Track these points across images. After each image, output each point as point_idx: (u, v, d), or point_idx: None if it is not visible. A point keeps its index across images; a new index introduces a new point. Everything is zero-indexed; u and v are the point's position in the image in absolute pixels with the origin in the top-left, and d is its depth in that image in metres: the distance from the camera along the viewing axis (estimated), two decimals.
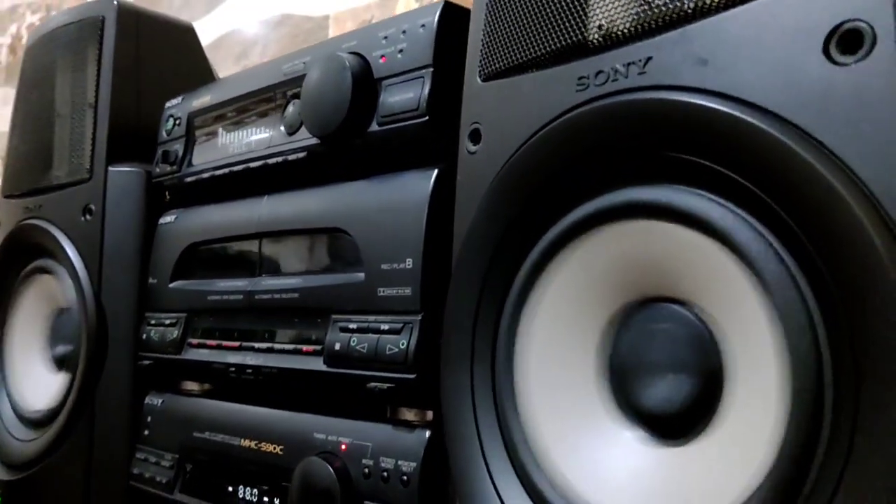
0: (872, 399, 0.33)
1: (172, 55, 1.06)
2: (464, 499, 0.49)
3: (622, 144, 0.44)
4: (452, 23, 0.62)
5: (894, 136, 0.34)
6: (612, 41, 0.46)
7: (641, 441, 0.45)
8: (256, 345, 0.74)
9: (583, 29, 0.47)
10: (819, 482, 0.35)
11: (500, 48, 0.52)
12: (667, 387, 0.44)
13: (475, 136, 0.54)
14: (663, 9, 0.43)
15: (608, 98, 0.44)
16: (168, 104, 0.94)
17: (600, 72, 0.45)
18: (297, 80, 0.73)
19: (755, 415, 0.39)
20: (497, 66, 0.53)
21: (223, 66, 1.70)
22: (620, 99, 0.43)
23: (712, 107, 0.39)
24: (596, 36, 0.47)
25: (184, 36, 1.09)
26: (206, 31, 1.74)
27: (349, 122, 0.65)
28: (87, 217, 0.95)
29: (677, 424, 0.44)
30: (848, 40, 0.36)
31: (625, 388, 0.47)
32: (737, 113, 0.38)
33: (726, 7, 0.40)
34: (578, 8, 0.48)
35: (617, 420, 0.46)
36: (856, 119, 0.35)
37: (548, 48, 0.49)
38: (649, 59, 0.43)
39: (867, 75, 0.35)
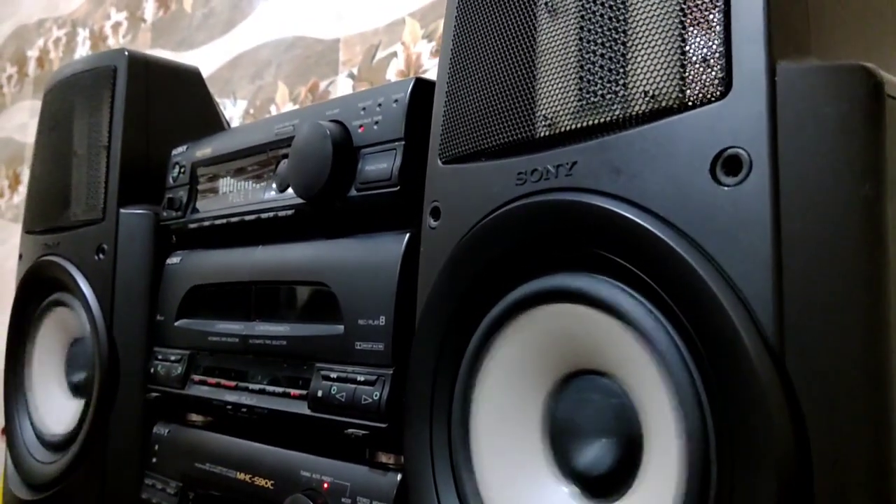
0: (743, 480, 0.39)
1: (180, 99, 1.13)
2: None
3: (551, 237, 0.50)
4: (424, 98, 0.68)
5: (765, 248, 0.40)
6: (550, 142, 0.51)
7: (574, 498, 0.51)
8: (251, 386, 0.80)
9: (530, 124, 0.53)
10: None
11: (457, 135, 0.58)
12: (595, 450, 0.50)
13: (436, 213, 0.59)
14: (590, 118, 0.49)
15: (540, 195, 0.50)
16: (174, 151, 1.00)
17: (535, 170, 0.51)
18: (287, 141, 0.80)
19: (663, 479, 0.45)
20: (454, 151, 0.58)
21: (239, 86, 1.77)
22: (549, 198, 0.49)
23: (618, 212, 0.45)
24: (543, 129, 0.52)
25: (190, 80, 1.16)
26: (223, 52, 1.81)
27: (330, 187, 0.71)
28: (101, 256, 1.02)
29: (606, 484, 0.50)
30: (730, 163, 0.41)
31: (562, 449, 0.52)
32: (638, 219, 0.44)
33: (638, 123, 0.46)
34: (525, 104, 0.53)
35: (555, 478, 0.52)
36: (734, 232, 0.41)
37: (495, 141, 0.55)
38: (575, 163, 0.49)
39: (745, 195, 0.41)
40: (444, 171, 0.59)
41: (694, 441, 0.42)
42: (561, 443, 0.52)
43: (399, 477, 0.65)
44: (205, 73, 1.21)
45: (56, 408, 1.10)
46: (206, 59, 1.84)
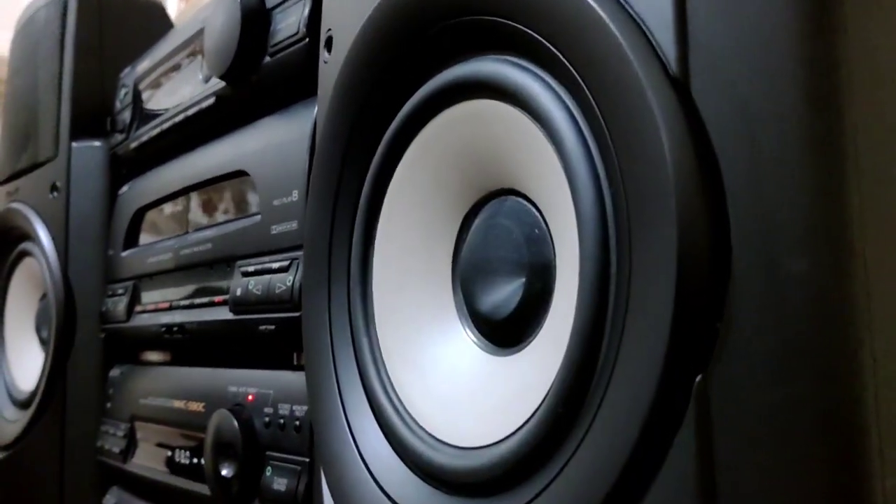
0: (638, 267, 0.28)
1: (139, 31, 1.05)
2: (317, 427, 0.46)
3: (433, 18, 0.39)
4: None
5: None
6: None
7: (477, 346, 0.40)
8: (182, 302, 0.72)
9: None
10: (608, 354, 0.30)
11: None
12: (502, 289, 0.39)
13: (329, 44, 0.50)
14: None
15: None
16: (121, 74, 0.93)
17: None
18: None
19: (569, 314, 0.34)
20: None
21: None
22: None
23: None
24: None
25: (151, 13, 1.08)
26: None
27: (241, 55, 0.62)
28: (55, 194, 0.95)
29: (513, 329, 0.39)
30: None
31: (469, 292, 0.42)
32: None
33: None
34: None
35: (458, 327, 0.42)
36: None
37: None
38: None
39: None
40: None
41: (589, 222, 0.31)
42: (468, 285, 0.42)
43: None
44: None
45: (27, 365, 1.03)
46: None
